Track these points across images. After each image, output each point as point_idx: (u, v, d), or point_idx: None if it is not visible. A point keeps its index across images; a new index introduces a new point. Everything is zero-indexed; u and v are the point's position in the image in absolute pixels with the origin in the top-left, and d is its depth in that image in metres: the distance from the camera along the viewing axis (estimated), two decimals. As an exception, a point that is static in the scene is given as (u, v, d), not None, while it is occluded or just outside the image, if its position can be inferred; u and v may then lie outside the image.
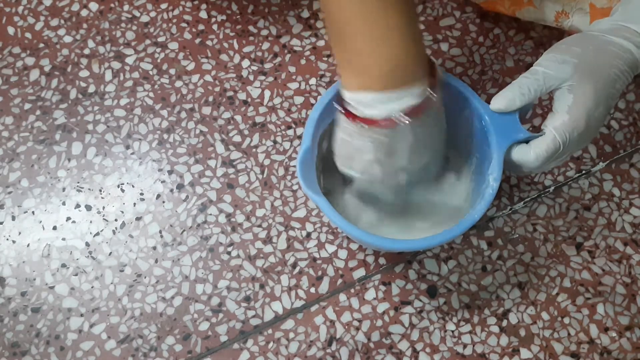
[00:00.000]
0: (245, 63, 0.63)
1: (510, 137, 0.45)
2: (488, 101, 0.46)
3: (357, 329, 0.54)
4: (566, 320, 0.55)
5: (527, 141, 0.45)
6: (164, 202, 0.58)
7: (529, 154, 0.44)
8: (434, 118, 0.44)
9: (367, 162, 0.44)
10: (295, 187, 0.59)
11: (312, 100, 0.62)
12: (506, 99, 0.45)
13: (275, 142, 0.60)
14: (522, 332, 0.54)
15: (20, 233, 0.57)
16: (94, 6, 0.66)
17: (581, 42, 0.46)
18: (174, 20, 0.65)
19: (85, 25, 0.65)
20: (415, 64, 0.41)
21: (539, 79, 0.44)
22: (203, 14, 0.65)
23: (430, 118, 0.43)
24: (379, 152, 0.43)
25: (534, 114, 0.62)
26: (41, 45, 0.64)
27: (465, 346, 0.54)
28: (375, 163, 0.44)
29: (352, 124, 0.42)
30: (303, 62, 0.63)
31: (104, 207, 0.58)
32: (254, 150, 0.60)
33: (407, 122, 0.41)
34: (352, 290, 0.56)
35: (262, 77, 0.63)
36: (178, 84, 0.63)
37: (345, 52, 0.41)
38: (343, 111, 0.43)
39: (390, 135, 0.42)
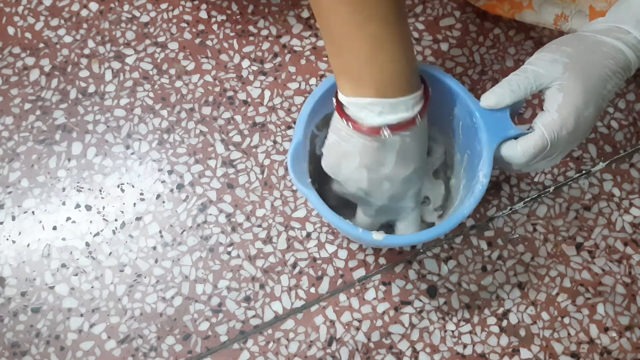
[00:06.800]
0: (245, 63, 0.63)
1: (501, 133, 0.45)
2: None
3: (357, 329, 0.54)
4: (566, 320, 0.55)
5: (517, 138, 0.45)
6: (164, 202, 0.58)
7: (516, 150, 0.44)
8: (421, 131, 0.45)
9: (354, 168, 0.45)
10: (295, 187, 0.59)
11: (312, 100, 0.62)
12: (496, 95, 0.45)
13: (275, 142, 0.60)
14: (522, 332, 0.54)
15: (20, 233, 0.57)
16: (94, 6, 0.66)
17: (572, 42, 0.46)
18: (174, 20, 0.65)
19: (85, 25, 0.65)
20: (408, 76, 0.42)
21: (529, 76, 0.44)
22: (203, 14, 0.65)
23: (418, 131, 0.44)
24: (366, 158, 0.44)
25: (533, 114, 0.62)
26: (41, 45, 0.64)
27: (465, 346, 0.54)
28: (363, 168, 0.45)
29: (345, 126, 0.43)
30: (303, 62, 0.63)
31: (104, 207, 0.58)
32: (254, 150, 0.60)
33: (391, 135, 0.42)
34: (352, 290, 0.56)
35: (262, 77, 0.63)
36: (178, 84, 0.63)
37: (340, 60, 0.42)
38: (336, 108, 0.43)
39: (379, 142, 0.43)
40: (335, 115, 0.44)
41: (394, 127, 0.42)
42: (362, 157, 0.44)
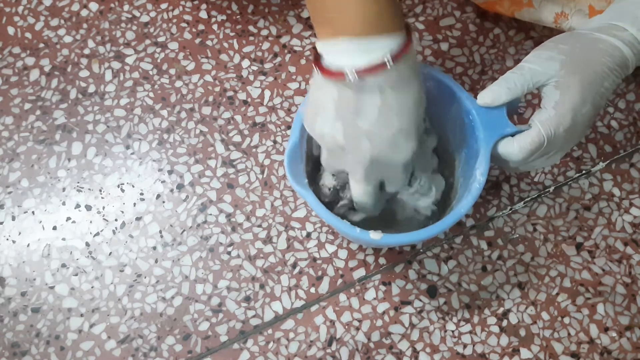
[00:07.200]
0: (245, 63, 0.63)
1: (498, 131, 0.45)
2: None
3: (357, 329, 0.54)
4: (566, 320, 0.55)
5: (514, 135, 0.45)
6: (164, 202, 0.58)
7: (513, 147, 0.44)
8: (404, 84, 0.41)
9: (330, 120, 0.42)
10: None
11: (312, 100, 0.62)
12: (492, 93, 0.45)
13: (275, 142, 0.60)
14: (522, 332, 0.54)
15: (20, 233, 0.57)
16: (94, 6, 0.66)
17: (569, 40, 0.46)
18: (174, 20, 0.65)
19: (85, 25, 0.65)
20: (385, 17, 0.39)
21: (525, 74, 0.44)
22: (203, 14, 0.65)
23: (399, 82, 0.40)
24: (342, 109, 0.41)
25: (533, 114, 0.62)
26: (41, 45, 0.64)
27: (465, 346, 0.54)
28: (338, 121, 0.41)
29: (321, 77, 0.41)
30: (303, 62, 0.63)
31: (104, 207, 0.58)
32: (254, 150, 0.60)
33: (357, 79, 0.39)
34: (352, 290, 0.56)
35: (262, 77, 0.63)
36: (178, 84, 0.63)
37: (317, 4, 0.40)
38: (313, 60, 0.41)
39: (354, 90, 0.40)
40: (313, 69, 0.42)
41: (363, 71, 0.39)
42: (338, 108, 0.41)
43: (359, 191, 0.47)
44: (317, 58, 0.41)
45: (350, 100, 0.40)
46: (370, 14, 0.39)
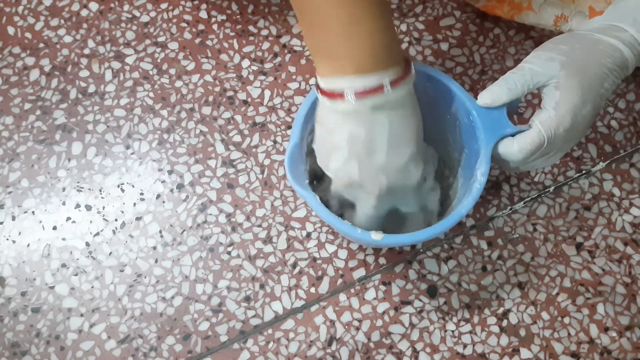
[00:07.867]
0: (245, 63, 0.63)
1: (498, 132, 0.45)
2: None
3: (357, 328, 0.54)
4: (566, 320, 0.55)
5: (514, 136, 0.45)
6: (164, 202, 0.58)
7: (513, 147, 0.44)
8: (407, 110, 0.43)
9: (344, 160, 0.43)
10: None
11: (312, 100, 0.62)
12: (493, 93, 0.45)
13: (275, 142, 0.60)
14: (522, 332, 0.54)
15: (20, 233, 0.57)
16: (94, 6, 0.66)
17: (569, 41, 0.46)
18: (174, 20, 0.65)
19: (85, 25, 0.65)
20: (388, 52, 0.41)
21: (526, 74, 0.44)
22: (203, 14, 0.65)
23: (403, 109, 0.42)
24: (355, 147, 0.42)
25: (532, 113, 0.62)
26: (41, 45, 0.64)
27: (465, 346, 0.54)
28: (353, 160, 0.43)
29: (329, 113, 0.42)
30: (303, 62, 0.63)
31: (104, 207, 0.58)
32: (254, 150, 0.60)
33: (355, 100, 0.40)
34: (352, 290, 0.56)
35: (262, 77, 0.63)
36: (178, 84, 0.63)
37: (316, 40, 0.41)
38: (319, 92, 0.42)
39: (366, 127, 0.41)
40: (318, 105, 0.43)
41: (361, 92, 0.40)
42: (351, 146, 0.42)
43: (366, 218, 0.48)
44: (318, 89, 0.43)
45: (364, 138, 0.42)
46: (374, 53, 0.40)
